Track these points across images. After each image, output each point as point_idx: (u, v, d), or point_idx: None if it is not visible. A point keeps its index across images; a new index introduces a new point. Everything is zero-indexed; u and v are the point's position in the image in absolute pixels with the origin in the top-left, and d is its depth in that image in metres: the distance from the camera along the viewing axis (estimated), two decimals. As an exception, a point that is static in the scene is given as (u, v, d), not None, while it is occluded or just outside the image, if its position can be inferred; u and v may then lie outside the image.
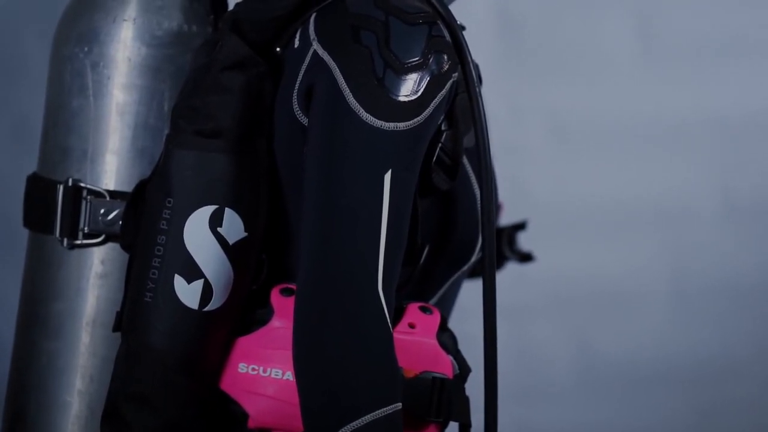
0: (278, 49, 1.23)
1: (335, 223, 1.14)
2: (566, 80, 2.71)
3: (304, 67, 1.20)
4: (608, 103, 2.71)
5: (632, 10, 2.71)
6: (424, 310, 1.25)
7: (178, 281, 1.20)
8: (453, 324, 1.31)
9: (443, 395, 1.22)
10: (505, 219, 1.80)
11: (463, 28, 1.23)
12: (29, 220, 1.35)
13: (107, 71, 1.31)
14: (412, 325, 1.24)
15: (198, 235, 1.20)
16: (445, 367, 1.24)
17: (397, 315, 1.24)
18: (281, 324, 1.21)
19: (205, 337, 1.21)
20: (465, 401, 1.24)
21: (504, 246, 1.71)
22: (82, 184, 1.30)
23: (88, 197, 1.30)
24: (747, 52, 2.72)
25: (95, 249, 1.31)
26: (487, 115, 1.22)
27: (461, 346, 1.28)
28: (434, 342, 1.24)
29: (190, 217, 1.20)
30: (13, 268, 1.59)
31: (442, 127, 1.21)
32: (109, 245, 1.30)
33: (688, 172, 2.73)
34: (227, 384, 1.22)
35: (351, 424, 1.12)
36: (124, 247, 1.27)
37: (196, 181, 1.20)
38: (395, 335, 1.18)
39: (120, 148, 1.31)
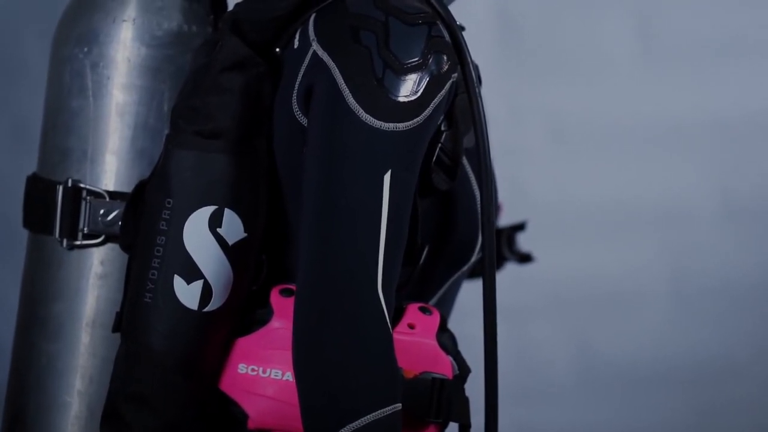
0: (278, 49, 1.23)
1: (335, 223, 1.14)
2: (566, 81, 2.71)
3: (303, 67, 1.20)
4: (608, 103, 2.71)
5: (632, 10, 2.71)
6: (423, 310, 1.25)
7: (178, 282, 1.20)
8: (452, 324, 1.31)
9: (443, 396, 1.22)
10: (505, 219, 1.80)
11: (462, 28, 1.23)
12: (29, 221, 1.35)
13: (107, 72, 1.31)
14: (411, 326, 1.24)
15: (197, 235, 1.20)
16: (445, 367, 1.23)
17: (397, 315, 1.24)
18: (281, 324, 1.21)
19: (205, 337, 1.21)
20: (465, 402, 1.24)
21: (503, 246, 1.71)
22: (82, 185, 1.30)
23: (88, 198, 1.30)
24: (747, 52, 2.72)
25: (95, 249, 1.31)
26: (486, 115, 1.22)
27: (461, 347, 1.28)
28: (434, 342, 1.24)
29: (190, 218, 1.20)
30: (13, 268, 1.59)
31: (442, 128, 1.21)
32: (109, 246, 1.30)
33: (687, 172, 2.73)
34: (227, 385, 1.22)
35: (351, 425, 1.12)
36: (123, 247, 1.27)
37: (195, 181, 1.20)
38: (395, 336, 1.18)
39: (120, 148, 1.31)
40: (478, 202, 1.31)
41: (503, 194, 1.71)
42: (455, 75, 1.19)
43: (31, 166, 1.38)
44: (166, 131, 1.24)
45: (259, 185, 1.22)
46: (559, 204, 2.72)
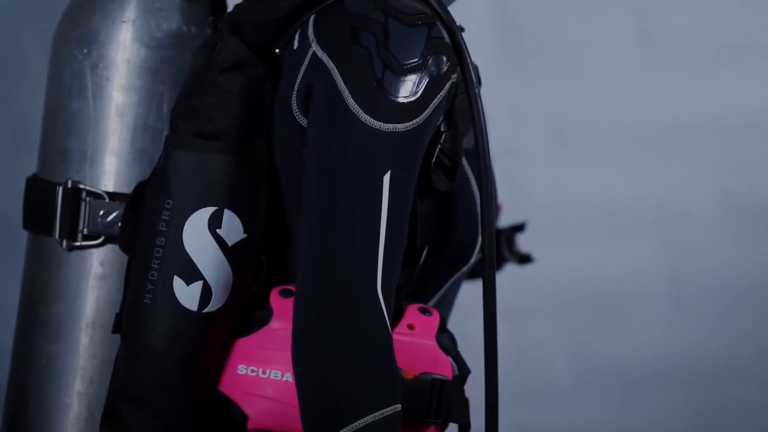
0: (277, 50, 1.23)
1: (334, 224, 1.14)
2: (565, 81, 2.71)
3: (303, 68, 1.20)
4: (607, 104, 2.71)
5: (632, 10, 2.71)
6: (423, 311, 1.25)
7: (177, 283, 1.20)
8: (452, 325, 1.31)
9: (443, 396, 1.22)
10: (505, 220, 1.80)
11: (462, 29, 1.23)
12: (29, 222, 1.35)
13: (106, 73, 1.31)
14: (411, 327, 1.24)
15: (197, 236, 1.20)
16: (445, 368, 1.23)
17: (397, 316, 1.24)
18: (280, 325, 1.21)
19: (205, 338, 1.21)
20: (464, 402, 1.24)
21: (503, 247, 1.71)
22: (82, 186, 1.30)
23: (88, 199, 1.30)
24: (746, 52, 2.72)
25: (94, 250, 1.31)
26: (486, 116, 1.22)
27: (461, 347, 1.28)
28: (433, 343, 1.24)
29: (189, 219, 1.20)
30: (13, 269, 1.59)
31: (442, 129, 1.21)
32: (109, 247, 1.30)
33: (687, 172, 2.73)
34: (226, 385, 1.22)
35: (350, 426, 1.12)
36: (123, 248, 1.27)
37: (195, 182, 1.20)
38: (394, 336, 1.18)
39: (119, 149, 1.31)
40: (478, 203, 1.31)
41: (503, 195, 1.71)
42: (455, 76, 1.19)
43: (31, 167, 1.38)
44: (166, 132, 1.24)
45: (259, 186, 1.22)
46: (559, 204, 2.72)
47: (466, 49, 1.20)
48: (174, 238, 1.20)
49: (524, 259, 1.73)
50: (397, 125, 1.15)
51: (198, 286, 1.20)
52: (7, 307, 1.55)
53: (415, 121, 1.16)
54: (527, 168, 2.70)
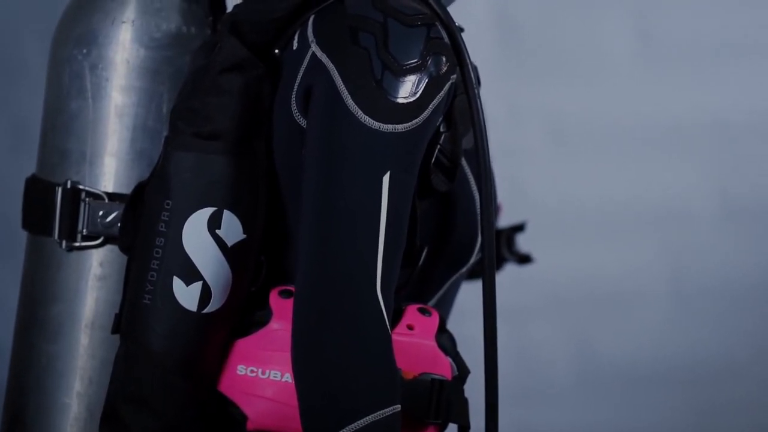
0: (276, 50, 1.23)
1: (334, 224, 1.14)
2: (565, 82, 2.71)
3: (302, 68, 1.20)
4: (607, 104, 2.71)
5: (631, 10, 2.71)
6: (422, 311, 1.25)
7: (177, 283, 1.20)
8: (452, 325, 1.31)
9: (442, 397, 1.22)
10: (504, 220, 1.80)
11: (461, 29, 1.22)
12: (28, 222, 1.35)
13: (106, 73, 1.30)
14: (410, 327, 1.24)
15: (196, 237, 1.20)
16: (444, 368, 1.23)
17: (396, 316, 1.24)
18: (280, 326, 1.21)
19: (204, 339, 1.21)
20: (464, 403, 1.24)
21: (503, 247, 1.71)
22: (81, 186, 1.30)
23: (87, 199, 1.30)
24: (746, 52, 2.72)
25: (94, 251, 1.31)
26: (485, 116, 1.22)
27: (460, 348, 1.28)
28: (433, 343, 1.24)
29: (189, 219, 1.20)
30: (12, 269, 1.59)
31: (441, 129, 1.21)
32: (108, 247, 1.30)
33: (686, 173, 2.73)
34: (226, 386, 1.22)
35: (350, 426, 1.12)
36: (122, 249, 1.27)
37: (194, 182, 1.20)
38: (394, 337, 1.18)
39: (119, 150, 1.31)
40: (478, 203, 1.31)
41: (503, 195, 1.71)
42: (454, 76, 1.19)
43: (30, 167, 1.38)
44: (165, 133, 1.24)
45: (258, 186, 1.22)
46: (559, 204, 2.72)
47: (466, 49, 1.20)
48: (173, 238, 1.20)
49: (524, 259, 1.73)
50: (397, 126, 1.15)
51: (197, 286, 1.20)
52: (7, 307, 1.55)
53: (414, 121, 1.16)
54: (527, 168, 2.70)
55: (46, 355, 1.31)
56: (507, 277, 1.81)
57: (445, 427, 1.24)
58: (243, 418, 1.21)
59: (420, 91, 1.16)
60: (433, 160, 1.21)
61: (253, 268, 1.24)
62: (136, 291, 1.21)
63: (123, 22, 1.31)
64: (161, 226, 1.20)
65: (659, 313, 2.75)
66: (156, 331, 1.20)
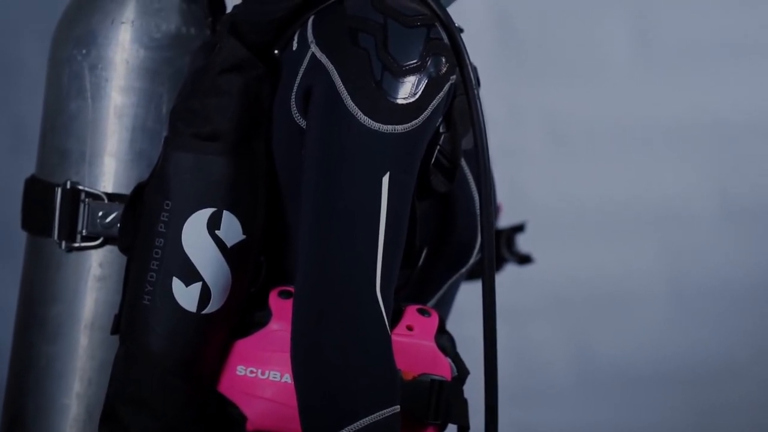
0: (276, 51, 1.23)
1: (333, 225, 1.14)
2: (565, 82, 2.71)
3: (302, 69, 1.20)
4: (607, 104, 2.71)
5: (631, 10, 2.71)
6: (422, 312, 1.25)
7: (176, 284, 1.20)
8: (451, 326, 1.31)
9: (442, 397, 1.22)
10: (504, 221, 1.80)
11: (461, 30, 1.22)
12: (27, 223, 1.35)
13: (105, 74, 1.30)
14: (410, 328, 1.24)
15: (196, 237, 1.20)
16: (444, 369, 1.23)
17: (396, 317, 1.24)
18: (279, 326, 1.21)
19: (204, 339, 1.21)
20: (463, 403, 1.24)
21: (503, 248, 1.71)
22: (80, 187, 1.30)
23: (86, 200, 1.30)
24: (746, 52, 2.72)
25: (93, 252, 1.31)
26: (485, 117, 1.22)
27: (460, 348, 1.28)
28: (432, 344, 1.24)
29: (188, 220, 1.20)
30: (12, 270, 1.59)
31: (441, 130, 1.21)
32: (108, 248, 1.30)
33: (686, 173, 2.73)
34: (225, 386, 1.22)
35: (349, 427, 1.12)
36: (122, 249, 1.27)
37: (194, 183, 1.20)
38: (393, 337, 1.18)
39: (118, 150, 1.31)
40: (477, 204, 1.31)
41: (502, 195, 1.71)
42: (454, 77, 1.19)
43: (30, 168, 1.38)
44: (165, 133, 1.24)
45: (258, 187, 1.22)
46: (559, 205, 2.72)
47: (465, 50, 1.20)
48: (173, 239, 1.20)
49: (524, 259, 1.73)
50: (396, 126, 1.15)
51: (197, 287, 1.20)
52: (6, 308, 1.55)
53: (414, 122, 1.16)
54: (526, 168, 2.70)
55: (46, 356, 1.31)
56: (507, 277, 1.81)
57: (444, 427, 1.24)
58: (242, 418, 1.21)
59: (420, 92, 1.16)
60: (433, 160, 1.21)
61: (253, 269, 1.24)
62: (135, 292, 1.21)
63: (122, 22, 1.31)
64: (161, 227, 1.20)
65: (659, 313, 2.75)
66: (155, 331, 1.20)
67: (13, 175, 1.73)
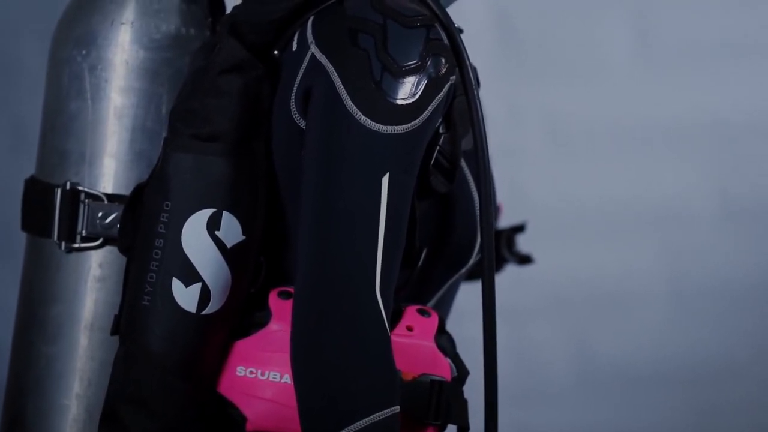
0: (276, 52, 1.23)
1: (333, 226, 1.14)
2: (564, 82, 2.71)
3: (302, 70, 1.20)
4: (607, 104, 2.71)
5: (631, 10, 2.71)
6: (422, 312, 1.25)
7: (176, 284, 1.20)
8: (451, 326, 1.31)
9: (441, 398, 1.22)
10: (504, 221, 1.80)
11: (461, 30, 1.22)
12: (27, 224, 1.35)
13: (105, 74, 1.30)
14: (410, 328, 1.24)
15: (196, 238, 1.20)
16: (443, 369, 1.23)
17: (395, 318, 1.24)
18: (279, 327, 1.21)
19: (203, 340, 1.21)
20: (463, 404, 1.24)
21: (503, 248, 1.71)
22: (80, 188, 1.30)
23: (86, 200, 1.30)
24: (746, 52, 2.72)
25: (93, 252, 1.31)
26: (485, 117, 1.22)
27: (460, 349, 1.28)
28: (432, 345, 1.24)
29: (188, 221, 1.20)
30: (12, 270, 1.59)
31: (440, 130, 1.21)
32: (107, 248, 1.30)
33: (686, 173, 2.73)
34: (225, 387, 1.22)
35: (349, 428, 1.12)
36: (122, 250, 1.26)
37: (193, 184, 1.20)
38: (393, 338, 1.18)
39: (118, 151, 1.31)
40: (477, 204, 1.31)
41: (502, 196, 1.71)
42: (453, 77, 1.19)
43: (30, 168, 1.38)
44: (164, 134, 1.24)
45: (258, 188, 1.22)
46: (559, 205, 2.72)
47: (465, 50, 1.20)
48: (173, 239, 1.20)
49: (524, 259, 1.73)
50: (396, 127, 1.15)
51: (197, 287, 1.20)
52: (6, 308, 1.55)
53: (413, 122, 1.16)
54: (526, 169, 2.70)
55: (45, 357, 1.31)
56: (507, 277, 1.81)
57: (444, 428, 1.24)
58: (242, 419, 1.21)
59: (419, 93, 1.16)
60: (433, 161, 1.21)
61: (253, 270, 1.24)
62: (135, 292, 1.21)
63: (122, 23, 1.31)
64: (160, 228, 1.20)
65: (659, 313, 2.75)
66: (155, 332, 1.20)
67: (13, 175, 1.73)
